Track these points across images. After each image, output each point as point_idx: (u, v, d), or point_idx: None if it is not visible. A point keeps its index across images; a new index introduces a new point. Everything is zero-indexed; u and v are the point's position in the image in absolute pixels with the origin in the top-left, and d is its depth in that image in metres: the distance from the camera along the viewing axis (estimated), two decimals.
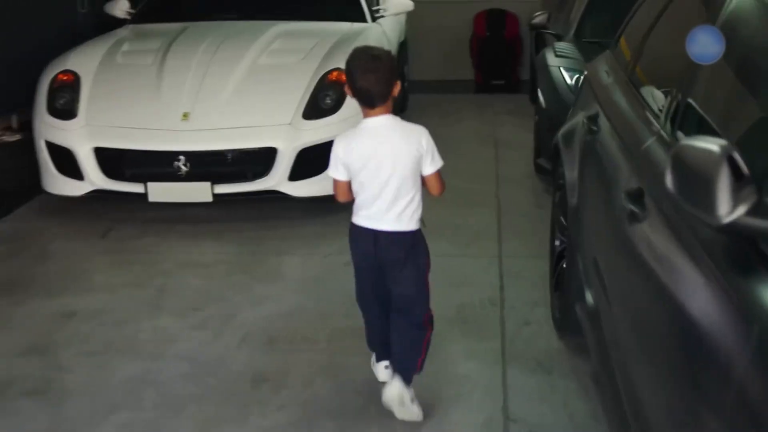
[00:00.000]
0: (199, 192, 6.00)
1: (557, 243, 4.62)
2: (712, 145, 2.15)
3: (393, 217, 3.62)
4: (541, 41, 8.42)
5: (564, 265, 4.39)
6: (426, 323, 3.82)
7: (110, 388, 4.13)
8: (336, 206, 6.07)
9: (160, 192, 6.03)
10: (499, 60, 11.15)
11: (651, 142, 3.04)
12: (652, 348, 2.70)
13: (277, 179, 6.06)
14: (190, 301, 5.01)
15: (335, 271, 5.27)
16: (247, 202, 6.27)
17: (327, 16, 7.67)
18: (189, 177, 6.00)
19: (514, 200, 6.60)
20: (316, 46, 6.82)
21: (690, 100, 2.97)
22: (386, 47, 5.29)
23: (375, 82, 3.51)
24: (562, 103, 6.41)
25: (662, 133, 3.01)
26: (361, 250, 3.78)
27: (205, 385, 4.12)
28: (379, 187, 3.59)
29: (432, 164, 3.63)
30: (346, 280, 4.56)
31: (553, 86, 6.64)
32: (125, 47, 7.01)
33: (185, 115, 6.12)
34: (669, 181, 2.28)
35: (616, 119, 3.60)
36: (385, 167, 3.57)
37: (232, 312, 4.86)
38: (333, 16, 7.69)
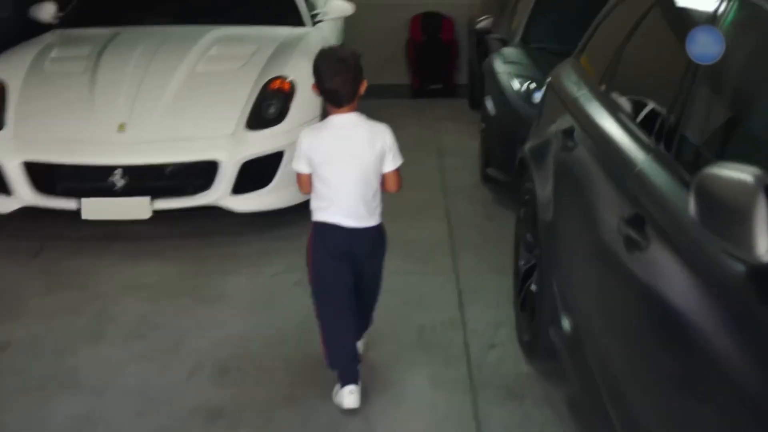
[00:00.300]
0: (137, 208, 5.66)
1: (522, 262, 4.41)
2: (744, 174, 1.96)
3: (365, 214, 3.72)
4: (483, 46, 8.25)
5: (532, 286, 4.19)
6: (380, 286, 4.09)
7: (51, 428, 3.80)
8: (282, 221, 5.90)
9: (94, 208, 5.66)
10: (436, 64, 10.96)
11: (645, 163, 2.84)
12: (655, 379, 2.52)
13: (220, 193, 5.74)
14: (133, 328, 4.68)
15: (285, 292, 5.01)
16: (188, 218, 5.94)
17: (265, 21, 7.37)
18: (126, 192, 5.65)
19: (464, 211, 6.40)
20: (256, 52, 6.53)
21: (682, 119, 2.79)
22: None
23: (342, 83, 3.62)
24: (512, 111, 6.25)
25: (657, 153, 2.82)
26: (331, 248, 3.76)
27: (156, 424, 3.81)
28: (346, 184, 3.67)
29: (393, 161, 3.76)
30: (297, 300, 4.34)
31: (502, 93, 6.47)
32: (54, 54, 6.62)
33: (121, 127, 5.78)
34: (693, 212, 2.09)
35: (597, 136, 3.40)
36: (351, 164, 3.67)
37: (178, 339, 4.55)
38: (271, 21, 7.39)
